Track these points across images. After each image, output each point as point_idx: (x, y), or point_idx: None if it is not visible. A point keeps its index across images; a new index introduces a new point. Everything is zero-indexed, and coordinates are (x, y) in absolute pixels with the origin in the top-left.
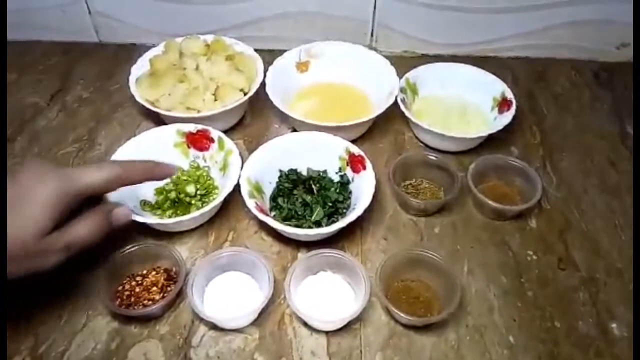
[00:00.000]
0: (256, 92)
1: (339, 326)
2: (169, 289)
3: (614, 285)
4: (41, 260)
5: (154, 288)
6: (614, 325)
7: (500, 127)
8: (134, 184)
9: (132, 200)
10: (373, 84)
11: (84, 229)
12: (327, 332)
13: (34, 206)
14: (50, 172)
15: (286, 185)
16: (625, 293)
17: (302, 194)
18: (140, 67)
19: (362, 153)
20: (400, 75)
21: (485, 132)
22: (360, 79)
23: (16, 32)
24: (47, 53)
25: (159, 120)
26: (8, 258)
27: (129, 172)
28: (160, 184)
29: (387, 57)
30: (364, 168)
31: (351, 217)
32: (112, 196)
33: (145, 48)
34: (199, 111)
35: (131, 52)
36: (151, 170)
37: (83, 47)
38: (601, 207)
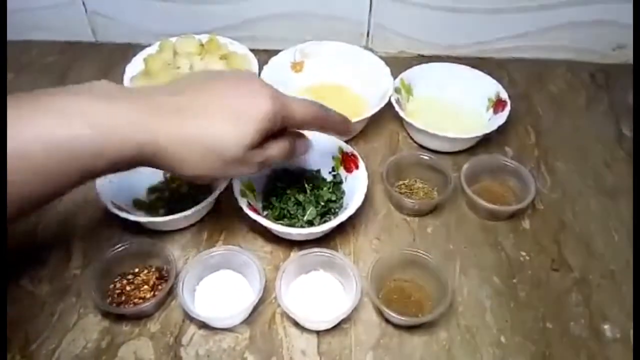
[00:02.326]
0: None
1: (330, 326)
2: (160, 287)
3: (607, 287)
4: (241, 169)
5: (145, 286)
6: (606, 326)
7: (495, 128)
8: (326, 132)
9: (125, 200)
10: (368, 84)
11: (276, 150)
12: (317, 332)
13: (254, 120)
14: (271, 93)
15: (279, 184)
16: (618, 295)
17: (295, 193)
18: (134, 67)
19: (355, 152)
20: (395, 75)
21: (479, 132)
22: (355, 79)
23: (13, 32)
24: (43, 53)
25: None
26: (224, 160)
27: (329, 120)
28: (153, 182)
29: (383, 57)
30: (357, 168)
31: (343, 216)
32: (105, 194)
33: (141, 47)
34: None
35: (127, 51)
36: (346, 125)
37: (80, 46)
38: (596, 209)
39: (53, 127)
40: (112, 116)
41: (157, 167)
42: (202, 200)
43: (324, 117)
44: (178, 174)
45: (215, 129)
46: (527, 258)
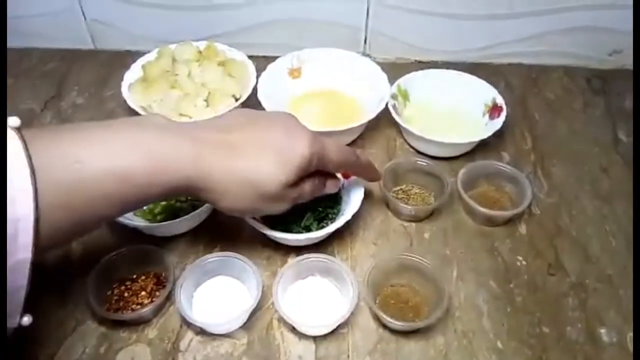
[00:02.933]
0: (248, 98)
1: (327, 331)
2: (158, 293)
3: (604, 291)
4: (276, 205)
5: (143, 292)
6: (602, 331)
7: (491, 133)
8: (356, 175)
9: None
10: (364, 90)
11: (309, 187)
12: (315, 337)
13: (294, 160)
14: (312, 137)
15: None
16: (615, 299)
17: None
18: (133, 73)
19: None
20: (392, 81)
21: (475, 137)
22: (352, 85)
23: (13, 39)
24: (43, 59)
25: None
26: (262, 196)
27: (359, 165)
28: None
29: (380, 63)
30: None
31: (340, 222)
32: None
33: (140, 54)
34: (190, 117)
35: (126, 58)
36: (372, 172)
37: (79, 53)
38: (592, 213)
39: (116, 155)
40: (168, 148)
41: (199, 199)
42: (200, 207)
43: (355, 162)
44: (218, 206)
45: (258, 167)
46: (524, 263)
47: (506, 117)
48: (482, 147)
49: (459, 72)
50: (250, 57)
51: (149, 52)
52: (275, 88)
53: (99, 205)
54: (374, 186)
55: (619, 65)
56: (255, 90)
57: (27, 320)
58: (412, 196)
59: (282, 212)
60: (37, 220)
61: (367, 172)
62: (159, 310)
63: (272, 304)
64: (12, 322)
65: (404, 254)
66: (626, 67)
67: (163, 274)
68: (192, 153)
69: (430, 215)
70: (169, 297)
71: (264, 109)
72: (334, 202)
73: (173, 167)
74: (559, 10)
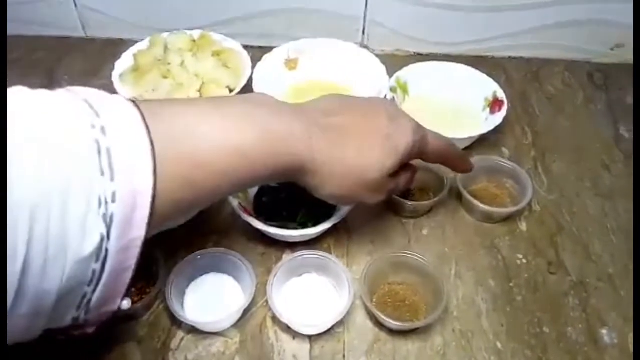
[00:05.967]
0: (243, 90)
1: (322, 330)
2: (148, 290)
3: (605, 291)
4: (374, 195)
5: (132, 289)
6: (604, 331)
7: (491, 128)
8: (447, 166)
9: None
10: (363, 83)
11: (403, 180)
12: (309, 336)
13: (399, 148)
14: (414, 125)
15: (272, 185)
16: (616, 299)
17: (288, 194)
18: (124, 62)
19: None
20: (391, 74)
21: (475, 132)
22: (350, 77)
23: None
24: (32, 48)
25: None
26: (363, 183)
27: (454, 156)
28: None
29: (379, 55)
30: None
31: (336, 218)
32: None
33: (133, 43)
34: None
35: (118, 47)
36: (466, 163)
37: (69, 42)
38: (593, 211)
39: (233, 129)
40: (282, 126)
41: (299, 182)
42: None
43: (450, 153)
44: (317, 191)
45: (362, 152)
46: (524, 261)
47: (506, 111)
48: (482, 142)
49: (460, 65)
50: (245, 47)
51: (141, 40)
52: (271, 79)
53: (217, 180)
54: None
55: (622, 59)
56: (250, 81)
57: (126, 304)
58: (410, 192)
59: (378, 202)
60: (154, 197)
61: (460, 163)
62: (149, 308)
63: (266, 301)
64: (112, 306)
65: (402, 252)
66: (629, 61)
67: (154, 270)
68: (304, 134)
69: (429, 211)
70: (160, 294)
71: None
72: None
73: (287, 145)
74: (560, 2)
